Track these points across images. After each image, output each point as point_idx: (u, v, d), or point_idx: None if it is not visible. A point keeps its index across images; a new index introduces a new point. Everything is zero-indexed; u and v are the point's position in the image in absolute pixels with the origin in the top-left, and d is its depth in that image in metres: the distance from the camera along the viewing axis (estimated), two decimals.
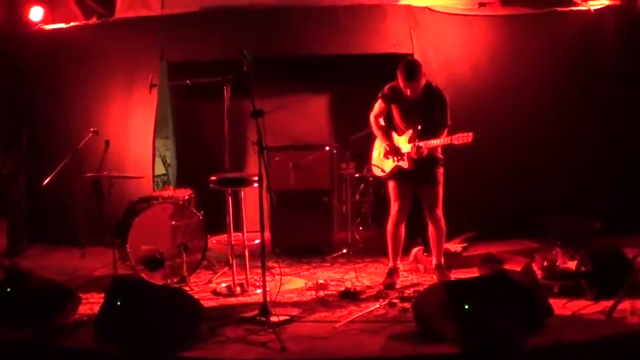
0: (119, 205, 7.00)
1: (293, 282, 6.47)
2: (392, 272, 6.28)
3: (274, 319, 5.09)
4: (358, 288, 6.11)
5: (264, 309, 5.16)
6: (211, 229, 7.05)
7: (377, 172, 6.40)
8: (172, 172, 9.66)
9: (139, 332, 4.64)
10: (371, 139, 6.55)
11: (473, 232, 7.32)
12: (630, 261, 5.50)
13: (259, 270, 5.47)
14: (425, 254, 6.69)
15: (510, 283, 4.72)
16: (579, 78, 7.90)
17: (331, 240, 7.71)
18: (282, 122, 8.48)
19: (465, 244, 7.08)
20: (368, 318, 5.25)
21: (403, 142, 6.11)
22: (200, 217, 6.66)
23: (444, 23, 8.00)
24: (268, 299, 5.25)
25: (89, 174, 6.95)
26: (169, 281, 6.30)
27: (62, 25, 8.61)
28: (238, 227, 6.48)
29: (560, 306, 5.20)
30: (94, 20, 8.71)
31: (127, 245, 6.34)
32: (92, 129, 7.37)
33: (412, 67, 5.92)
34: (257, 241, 5.66)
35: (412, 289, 5.97)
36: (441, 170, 6.17)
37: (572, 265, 5.86)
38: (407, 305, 5.33)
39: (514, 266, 5.50)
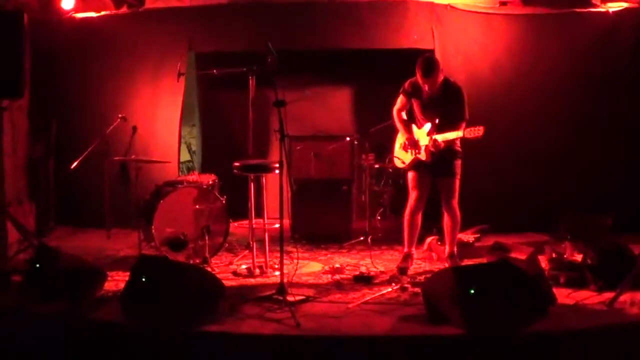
0: (145, 189, 7.10)
1: (310, 266, 6.61)
2: (407, 257, 6.42)
3: (290, 298, 5.25)
4: (372, 273, 6.23)
5: (281, 288, 5.34)
6: (233, 215, 7.20)
7: (398, 163, 6.58)
8: (197, 159, 9.83)
9: (162, 307, 4.77)
10: (391, 131, 6.69)
11: (487, 225, 7.46)
12: (635, 257, 5.59)
13: (278, 255, 5.63)
14: (439, 243, 6.82)
15: (513, 270, 4.80)
16: (597, 78, 7.96)
17: (349, 229, 7.79)
18: (305, 113, 8.65)
19: (477, 235, 7.22)
20: (380, 300, 5.38)
21: (422, 135, 6.29)
22: (223, 202, 6.79)
23: (465, 20, 8.12)
24: (285, 280, 5.43)
25: (116, 158, 7.04)
26: (191, 262, 6.38)
27: (93, 14, 8.71)
28: (259, 213, 6.59)
29: (565, 296, 5.33)
30: (124, 10, 8.83)
31: (152, 227, 6.47)
32: (120, 115, 7.47)
33: (429, 64, 6.07)
34: (276, 225, 5.76)
35: (424, 276, 6.05)
36: (459, 162, 6.30)
37: (579, 258, 5.97)
38: (418, 289, 5.41)
39: (520, 255, 5.64)
